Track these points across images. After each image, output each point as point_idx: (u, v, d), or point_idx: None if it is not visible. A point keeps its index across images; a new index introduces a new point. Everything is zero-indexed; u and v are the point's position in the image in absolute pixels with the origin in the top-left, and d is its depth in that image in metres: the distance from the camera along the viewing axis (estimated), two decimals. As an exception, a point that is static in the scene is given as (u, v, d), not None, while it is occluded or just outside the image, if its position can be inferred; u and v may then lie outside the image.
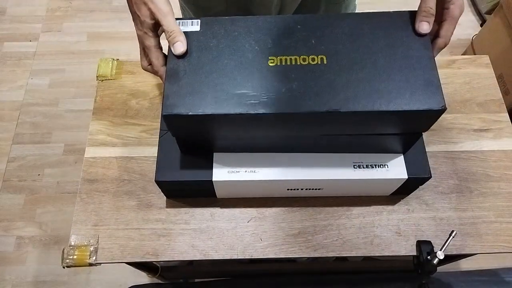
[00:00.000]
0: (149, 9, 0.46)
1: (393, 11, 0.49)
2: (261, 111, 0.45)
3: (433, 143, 0.66)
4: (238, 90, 0.46)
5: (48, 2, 1.81)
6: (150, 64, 0.51)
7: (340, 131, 0.50)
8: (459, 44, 1.70)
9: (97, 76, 0.72)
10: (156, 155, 0.55)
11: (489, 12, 1.62)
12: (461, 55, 1.62)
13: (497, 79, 0.72)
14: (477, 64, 0.74)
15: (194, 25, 0.49)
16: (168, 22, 0.46)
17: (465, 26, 1.76)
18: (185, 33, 0.48)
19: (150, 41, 0.49)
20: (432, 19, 0.47)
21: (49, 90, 1.59)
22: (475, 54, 1.55)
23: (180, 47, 0.46)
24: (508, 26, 1.33)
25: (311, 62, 0.47)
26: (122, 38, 1.70)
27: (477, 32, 1.58)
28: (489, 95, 0.71)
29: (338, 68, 0.46)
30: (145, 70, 0.53)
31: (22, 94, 1.58)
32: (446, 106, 0.45)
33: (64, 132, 1.50)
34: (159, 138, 0.56)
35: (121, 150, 0.65)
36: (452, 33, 0.49)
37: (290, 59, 0.47)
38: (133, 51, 1.66)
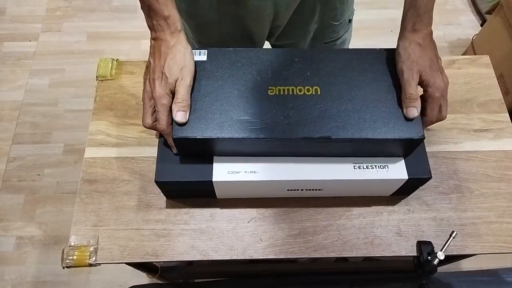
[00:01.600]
0: (181, 73, 0.49)
1: (380, 48, 0.56)
2: (261, 136, 0.50)
3: (433, 143, 0.66)
4: (241, 116, 0.51)
5: (48, 2, 1.81)
6: (155, 121, 0.53)
7: (332, 152, 0.55)
8: (459, 44, 1.70)
9: (96, 76, 0.71)
10: (156, 155, 0.55)
11: (490, 12, 1.62)
12: (462, 55, 1.62)
13: (497, 79, 0.72)
14: (477, 64, 0.74)
15: (201, 55, 0.54)
16: (184, 91, 0.50)
17: (465, 26, 1.76)
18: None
19: (168, 101, 0.50)
20: (418, 102, 0.51)
21: (49, 90, 1.59)
22: (475, 54, 1.55)
23: (182, 117, 0.49)
24: (509, 26, 1.33)
25: (306, 92, 0.52)
26: (122, 38, 1.70)
27: (477, 32, 1.58)
28: (489, 95, 0.71)
29: (330, 99, 0.52)
30: (148, 128, 0.54)
31: (22, 94, 1.58)
32: (425, 136, 0.51)
33: (64, 132, 1.50)
34: (159, 138, 0.56)
35: (121, 150, 0.65)
36: (438, 111, 0.53)
37: (288, 89, 0.52)
38: (133, 51, 1.66)
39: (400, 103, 0.52)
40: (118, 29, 1.73)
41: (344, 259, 0.81)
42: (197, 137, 0.50)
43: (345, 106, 0.52)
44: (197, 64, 0.53)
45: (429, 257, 0.56)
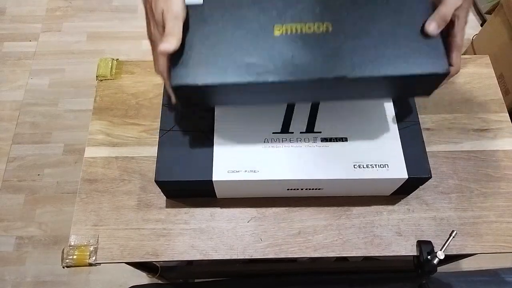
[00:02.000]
0: (165, 4, 0.45)
1: None
2: (269, 79, 0.45)
3: (433, 143, 0.66)
4: (246, 59, 0.46)
5: (48, 2, 1.81)
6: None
7: (347, 94, 0.51)
8: (459, 44, 1.69)
9: (96, 76, 0.71)
10: (156, 155, 0.55)
11: (490, 12, 1.62)
12: (462, 55, 1.61)
13: (497, 79, 0.72)
14: (477, 64, 0.74)
15: None
16: (170, 21, 0.45)
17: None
18: (188, 6, 0.47)
19: (160, 39, 0.46)
20: (441, 27, 0.47)
21: (49, 90, 1.59)
22: (475, 54, 1.55)
23: (167, 46, 0.44)
24: (509, 26, 1.33)
25: (316, 30, 0.47)
26: (122, 38, 1.70)
27: (477, 32, 1.58)
28: (489, 95, 0.71)
29: (343, 35, 0.47)
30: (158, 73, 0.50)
31: (22, 94, 1.58)
32: (450, 70, 0.46)
33: (64, 132, 1.50)
34: (159, 138, 0.56)
35: (121, 150, 0.65)
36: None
37: (296, 27, 0.47)
38: (133, 51, 1.66)
39: (421, 38, 0.47)
40: (118, 29, 1.73)
41: (344, 258, 0.81)
42: (198, 84, 0.45)
43: (361, 42, 0.47)
44: (192, 8, 0.48)
45: (429, 257, 0.56)
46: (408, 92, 0.52)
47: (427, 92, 0.51)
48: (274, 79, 0.45)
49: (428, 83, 0.49)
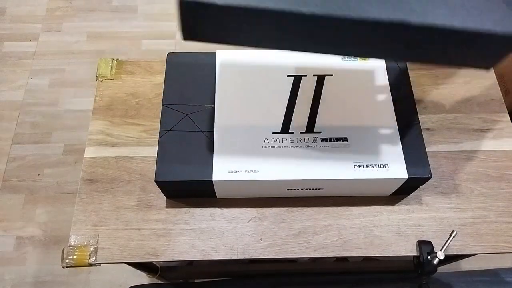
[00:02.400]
0: None
1: None
2: (312, 10, 0.35)
3: (433, 143, 0.66)
4: None
5: (48, 2, 1.81)
6: None
7: (393, 50, 0.41)
8: (459, 44, 1.69)
9: (96, 76, 0.72)
10: (156, 155, 0.55)
11: (489, 12, 1.62)
12: (461, 55, 1.61)
13: (497, 79, 0.72)
14: (477, 64, 0.74)
15: None
16: None
17: (465, 26, 1.76)
18: None
19: None
20: None
21: (49, 90, 1.59)
22: (475, 54, 1.55)
23: None
24: (508, 26, 1.33)
25: None
26: (122, 38, 1.70)
27: (477, 32, 1.58)
28: (489, 95, 0.71)
29: None
30: None
31: (22, 94, 1.58)
32: None
33: (64, 132, 1.50)
34: (159, 138, 0.56)
35: (121, 150, 0.65)
36: None
37: None
38: (133, 51, 1.66)
39: None
40: (118, 29, 1.73)
41: (344, 259, 0.81)
42: (217, 3, 0.35)
43: None
44: None
45: (429, 257, 0.56)
46: (469, 58, 0.42)
47: (490, 62, 0.43)
48: (313, 11, 0.35)
49: (497, 49, 0.41)
